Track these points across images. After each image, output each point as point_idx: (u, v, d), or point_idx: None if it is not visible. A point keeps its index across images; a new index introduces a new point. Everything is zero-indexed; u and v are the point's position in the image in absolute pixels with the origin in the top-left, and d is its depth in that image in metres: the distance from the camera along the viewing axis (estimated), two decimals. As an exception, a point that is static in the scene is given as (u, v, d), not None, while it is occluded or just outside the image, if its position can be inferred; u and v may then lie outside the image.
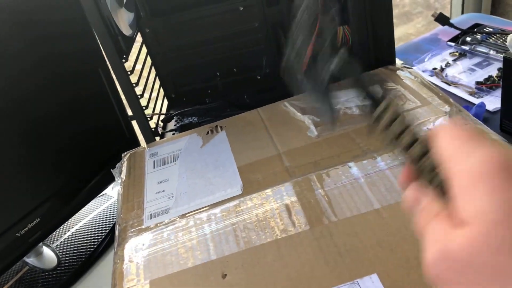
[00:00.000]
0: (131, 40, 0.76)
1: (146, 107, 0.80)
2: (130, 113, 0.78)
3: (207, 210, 0.56)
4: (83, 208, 0.81)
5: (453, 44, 1.04)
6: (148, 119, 0.79)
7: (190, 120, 0.88)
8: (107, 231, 0.81)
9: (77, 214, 0.80)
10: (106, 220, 0.83)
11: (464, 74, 0.95)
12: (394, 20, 0.73)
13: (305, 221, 0.50)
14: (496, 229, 0.21)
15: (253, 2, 0.84)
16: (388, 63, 0.74)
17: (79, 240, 0.80)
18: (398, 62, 0.84)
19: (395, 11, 0.70)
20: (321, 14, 0.34)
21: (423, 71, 1.00)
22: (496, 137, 0.53)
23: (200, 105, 0.91)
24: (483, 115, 0.81)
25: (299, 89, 0.35)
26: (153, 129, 0.80)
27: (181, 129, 0.85)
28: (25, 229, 0.67)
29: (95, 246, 0.78)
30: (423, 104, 0.63)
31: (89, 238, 0.80)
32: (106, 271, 0.73)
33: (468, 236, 0.22)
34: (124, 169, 0.68)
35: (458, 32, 1.05)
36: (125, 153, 0.72)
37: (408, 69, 0.72)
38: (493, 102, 0.85)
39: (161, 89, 0.95)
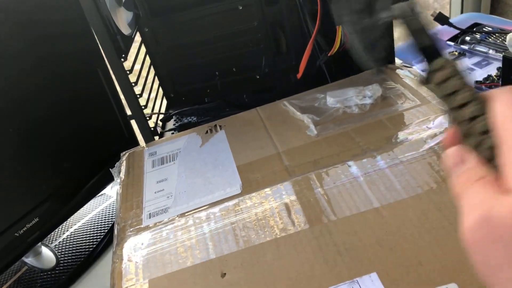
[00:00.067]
0: (130, 40, 0.76)
1: (145, 106, 0.80)
2: (129, 112, 0.78)
3: (206, 209, 0.56)
4: (82, 208, 0.81)
5: (452, 43, 1.04)
6: (147, 118, 0.79)
7: (189, 119, 0.88)
8: (106, 230, 0.81)
9: (76, 213, 0.79)
10: (105, 219, 0.83)
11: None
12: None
13: (305, 220, 0.50)
14: None
15: (252, 2, 0.84)
16: (388, 62, 0.74)
17: (78, 239, 0.80)
18: (398, 61, 0.84)
19: (394, 11, 0.69)
20: None
21: (423, 71, 0.99)
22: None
23: (199, 105, 0.91)
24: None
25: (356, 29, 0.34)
26: (152, 129, 0.80)
27: (180, 128, 0.85)
28: (24, 229, 0.67)
29: (94, 245, 0.78)
30: (423, 103, 0.63)
31: (88, 238, 0.80)
32: (105, 271, 0.73)
33: None
34: (123, 168, 0.68)
35: (457, 31, 1.05)
36: (124, 153, 0.72)
37: (408, 68, 0.72)
38: (492, 101, 0.85)
39: (160, 89, 0.95)
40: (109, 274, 0.52)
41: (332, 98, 0.68)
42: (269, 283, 0.45)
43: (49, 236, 0.80)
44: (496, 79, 0.89)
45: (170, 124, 0.89)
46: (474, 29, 1.05)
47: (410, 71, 0.70)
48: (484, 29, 1.05)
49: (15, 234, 0.66)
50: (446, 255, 0.42)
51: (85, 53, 0.73)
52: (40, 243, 0.76)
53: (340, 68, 0.79)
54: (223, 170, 0.61)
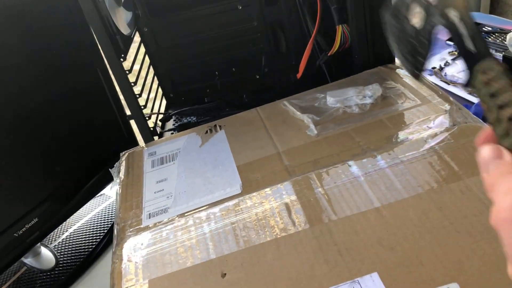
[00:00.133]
0: (129, 39, 0.76)
1: (145, 106, 0.80)
2: (128, 112, 0.78)
3: (206, 209, 0.55)
4: (82, 208, 0.81)
5: (452, 43, 1.04)
6: (147, 118, 0.78)
7: (189, 119, 0.88)
8: (106, 231, 0.80)
9: (75, 214, 0.79)
10: (104, 220, 0.83)
11: (463, 73, 0.95)
12: (393, 19, 0.73)
13: (305, 220, 0.50)
14: None
15: (252, 1, 0.84)
16: (388, 61, 0.74)
17: (77, 240, 0.80)
18: (397, 61, 0.84)
19: (393, 11, 0.70)
20: None
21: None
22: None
23: (199, 105, 0.91)
24: (483, 114, 0.81)
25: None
26: (151, 129, 0.80)
27: (180, 128, 0.85)
28: (23, 229, 0.67)
29: (94, 246, 0.78)
30: (423, 103, 0.63)
31: (87, 238, 0.79)
32: (104, 271, 0.73)
33: None
34: (122, 168, 0.68)
35: (457, 31, 1.05)
36: (123, 153, 0.71)
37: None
38: (492, 101, 0.85)
39: (160, 89, 0.95)
40: (109, 274, 0.51)
41: (332, 98, 0.68)
42: (270, 283, 0.44)
43: (48, 236, 0.80)
44: (496, 78, 0.89)
45: (170, 124, 0.89)
46: (474, 29, 1.05)
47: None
48: (483, 28, 1.05)
49: (15, 234, 0.66)
50: (447, 255, 0.42)
51: (85, 53, 0.73)
52: (39, 243, 0.76)
53: (340, 68, 0.79)
54: (223, 170, 0.61)
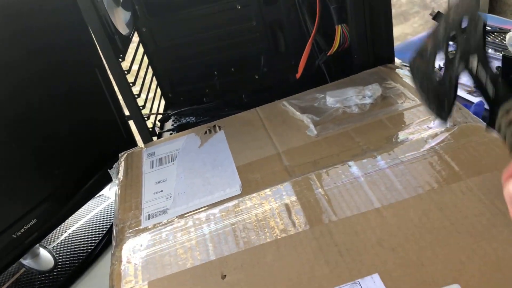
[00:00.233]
0: (128, 39, 0.76)
1: (143, 106, 0.80)
2: (127, 113, 0.77)
3: (205, 210, 0.55)
4: (80, 209, 0.81)
5: (451, 43, 1.04)
6: (146, 119, 0.78)
7: (188, 120, 0.88)
8: (105, 232, 0.80)
9: (74, 215, 0.79)
10: (103, 221, 0.83)
11: (463, 73, 0.94)
12: (392, 19, 0.73)
13: (305, 220, 0.49)
14: None
15: (251, 1, 0.84)
16: (387, 61, 0.74)
17: (76, 241, 0.79)
18: (397, 61, 0.84)
19: (392, 11, 0.70)
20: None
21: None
22: (496, 136, 0.53)
23: (198, 105, 0.90)
24: (482, 114, 0.81)
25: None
26: (150, 129, 0.80)
27: (179, 129, 0.85)
28: (22, 231, 0.67)
29: (92, 247, 0.78)
30: (423, 103, 0.62)
31: (86, 240, 0.79)
32: (103, 273, 0.72)
33: None
34: (121, 169, 0.68)
35: (456, 31, 1.05)
36: (122, 153, 0.71)
37: (408, 68, 0.71)
38: (492, 100, 0.84)
39: (158, 89, 0.95)
40: (108, 276, 0.51)
41: (332, 98, 0.68)
42: (270, 284, 0.44)
43: (47, 237, 0.80)
44: (495, 78, 0.89)
45: (169, 125, 0.89)
46: (473, 29, 1.05)
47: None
48: (483, 28, 1.05)
49: (13, 235, 0.66)
50: (448, 256, 0.42)
51: (83, 53, 0.73)
52: (38, 244, 0.76)
53: (340, 68, 0.79)
54: (222, 171, 0.61)
